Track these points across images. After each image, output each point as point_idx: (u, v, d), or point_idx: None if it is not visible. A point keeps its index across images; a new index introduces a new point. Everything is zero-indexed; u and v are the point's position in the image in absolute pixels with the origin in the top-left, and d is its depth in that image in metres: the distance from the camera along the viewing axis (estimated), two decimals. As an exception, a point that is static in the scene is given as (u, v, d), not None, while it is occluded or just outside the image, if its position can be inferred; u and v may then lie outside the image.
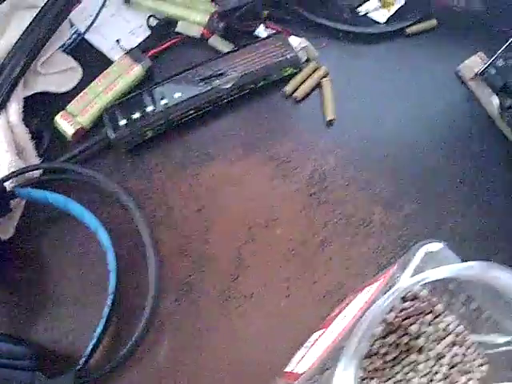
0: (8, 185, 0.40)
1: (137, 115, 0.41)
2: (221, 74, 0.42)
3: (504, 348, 0.33)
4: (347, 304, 0.35)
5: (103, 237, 0.38)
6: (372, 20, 0.46)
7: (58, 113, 0.43)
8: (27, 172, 0.41)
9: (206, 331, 0.38)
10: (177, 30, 0.44)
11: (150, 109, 0.41)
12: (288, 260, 0.39)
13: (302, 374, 0.28)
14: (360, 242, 0.40)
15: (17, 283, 0.41)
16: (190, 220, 0.40)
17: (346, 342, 0.24)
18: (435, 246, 0.29)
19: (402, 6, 0.47)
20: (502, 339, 0.34)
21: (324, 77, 0.43)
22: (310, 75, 0.43)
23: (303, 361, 0.32)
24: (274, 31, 0.44)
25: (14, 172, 0.40)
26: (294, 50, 0.43)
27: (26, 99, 0.43)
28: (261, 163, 0.41)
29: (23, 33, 0.44)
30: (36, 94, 0.44)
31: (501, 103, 0.46)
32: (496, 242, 0.41)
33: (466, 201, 0.43)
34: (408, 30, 0.46)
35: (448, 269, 0.27)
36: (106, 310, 0.36)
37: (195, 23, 0.44)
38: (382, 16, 0.46)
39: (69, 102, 0.44)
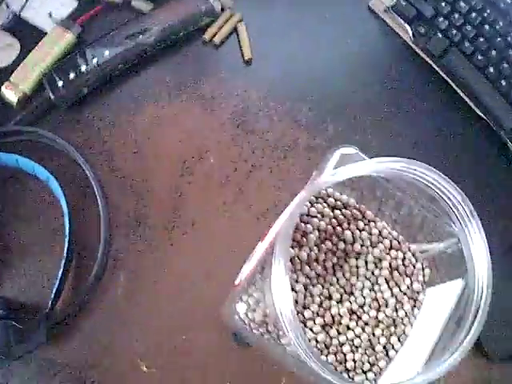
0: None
1: (72, 75, 0.45)
2: (144, 30, 0.47)
3: (441, 249, 0.36)
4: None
5: (54, 186, 0.43)
6: None
7: (1, 85, 0.48)
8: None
9: (157, 261, 0.42)
10: None
11: (83, 68, 0.46)
12: (223, 186, 0.44)
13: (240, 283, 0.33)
14: (289, 164, 0.45)
15: None
16: (129, 161, 0.45)
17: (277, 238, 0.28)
18: (349, 150, 0.33)
19: None
20: (440, 246, 0.38)
21: (239, 22, 0.48)
22: (226, 22, 0.48)
23: (245, 270, 0.36)
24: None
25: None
26: (209, 1, 0.47)
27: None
28: (189, 103, 0.46)
29: (-39, 16, 0.49)
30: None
31: (414, 31, 0.51)
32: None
33: (384, 120, 0.48)
34: None
35: (363, 164, 0.30)
36: (64, 252, 0.41)
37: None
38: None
39: (10, 74, 0.48)
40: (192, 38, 0.48)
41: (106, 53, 0.46)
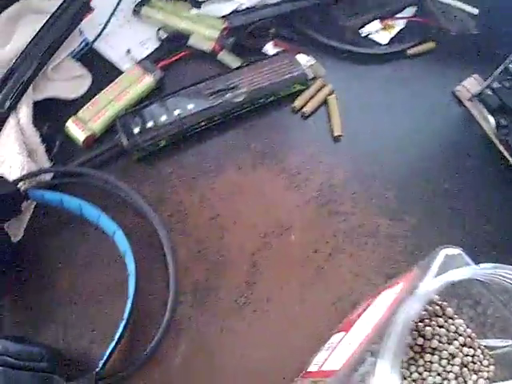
0: (20, 186, 0.41)
1: (150, 124, 0.42)
2: (231, 88, 0.44)
3: (508, 349, 0.36)
4: (364, 309, 0.37)
5: (121, 240, 0.39)
6: (374, 41, 0.50)
7: (67, 119, 0.44)
8: (40, 174, 0.41)
9: (223, 335, 0.39)
10: (189, 43, 0.46)
11: (163, 118, 0.42)
12: (302, 266, 0.41)
13: (335, 371, 0.30)
14: (368, 251, 0.42)
15: (27, 286, 0.41)
16: (205, 227, 0.41)
17: (381, 344, 0.26)
18: (454, 251, 0.32)
19: (402, 29, 0.51)
20: (506, 343, 0.37)
21: (330, 94, 0.46)
22: (317, 92, 0.46)
23: (331, 360, 0.34)
24: (282, 49, 0.47)
25: (26, 174, 0.41)
26: (302, 68, 0.46)
27: (36, 104, 0.44)
28: (273, 174, 0.43)
29: (34, 37, 0.45)
30: (46, 99, 0.45)
31: (496, 122, 0.50)
32: (492, 250, 0.44)
33: (464, 213, 0.46)
34: (408, 52, 0.50)
35: (471, 269, 0.29)
36: (126, 313, 0.37)
37: (205, 38, 0.46)
38: (383, 38, 0.50)
39: (78, 108, 0.45)
40: (279, 104, 0.46)
41: (190, 106, 0.43)
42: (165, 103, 0.43)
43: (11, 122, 0.44)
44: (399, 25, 0.51)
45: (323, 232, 0.42)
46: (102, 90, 0.45)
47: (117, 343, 0.36)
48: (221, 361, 0.38)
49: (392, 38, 0.50)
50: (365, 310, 0.37)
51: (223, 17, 0.46)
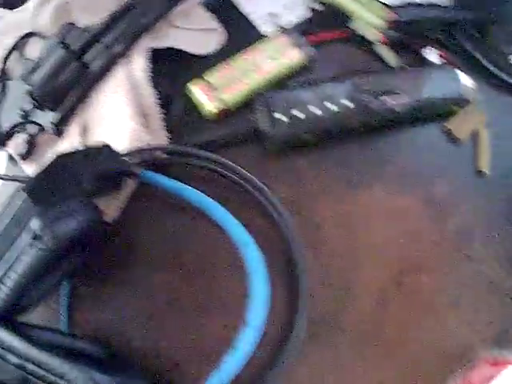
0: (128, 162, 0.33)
1: (297, 113, 0.35)
2: (392, 93, 0.38)
3: None
4: (486, 377, 0.34)
5: (251, 256, 0.32)
6: None
7: (191, 79, 0.36)
8: (154, 150, 0.33)
9: (339, 370, 0.34)
10: (351, 25, 0.38)
11: (314, 109, 0.35)
12: (427, 312, 0.37)
13: None
14: (493, 309, 0.39)
15: (114, 279, 0.34)
16: (339, 247, 0.36)
17: None
18: None
19: None
20: None
21: (480, 121, 0.42)
22: (471, 118, 0.41)
23: None
24: (445, 61, 0.41)
25: (138, 149, 0.33)
26: (463, 88, 0.40)
27: (155, 57, 0.36)
28: (416, 201, 0.38)
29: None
30: (164, 51, 0.36)
31: None
32: None
33: None
34: None
35: None
36: (246, 345, 0.30)
37: (370, 25, 0.39)
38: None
39: (204, 70, 0.37)
40: (428, 122, 0.40)
41: (346, 102, 0.36)
42: (316, 90, 0.36)
43: (120, 73, 0.35)
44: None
45: (454, 278, 0.38)
46: (237, 52, 0.37)
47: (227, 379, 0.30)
48: None
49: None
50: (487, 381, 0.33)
51: (388, 6, 0.39)
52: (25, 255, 0.28)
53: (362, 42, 0.40)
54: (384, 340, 0.35)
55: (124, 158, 0.32)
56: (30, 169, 0.37)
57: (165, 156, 0.33)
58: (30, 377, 0.28)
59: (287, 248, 0.34)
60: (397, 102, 0.37)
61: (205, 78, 0.36)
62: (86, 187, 0.30)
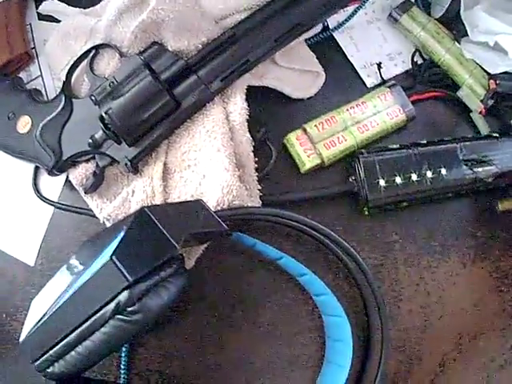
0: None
1: (399, 180, 0.34)
2: (483, 162, 0.37)
3: None
4: None
5: (342, 327, 0.32)
6: None
7: (287, 126, 0.34)
8: (248, 215, 0.31)
9: None
10: (459, 93, 0.37)
11: (414, 177, 0.34)
12: (477, 374, 0.38)
13: None
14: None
15: (188, 335, 0.32)
16: (413, 314, 0.36)
17: None
18: None
19: None
20: None
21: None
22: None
23: None
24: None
25: (233, 210, 0.30)
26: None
27: (248, 96, 0.33)
28: (486, 273, 0.38)
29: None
30: (260, 91, 0.34)
31: None
32: None
33: None
34: None
35: None
36: None
37: (471, 90, 0.38)
38: None
39: (302, 115, 0.35)
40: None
41: (443, 171, 0.35)
42: (415, 156, 0.35)
43: (216, 114, 0.32)
44: None
45: (504, 342, 0.39)
46: (337, 102, 0.35)
47: None
48: None
49: None
50: None
51: (489, 73, 0.38)
52: (107, 327, 0.25)
53: (456, 105, 0.39)
54: None
55: (219, 217, 0.30)
56: (94, 204, 0.33)
57: (256, 218, 0.31)
58: None
59: (367, 313, 0.33)
60: (485, 171, 0.37)
61: (305, 128, 0.34)
62: (178, 252, 0.26)
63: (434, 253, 0.37)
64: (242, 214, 0.30)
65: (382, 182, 0.33)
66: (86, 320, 0.25)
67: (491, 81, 0.38)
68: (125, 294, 0.24)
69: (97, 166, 0.33)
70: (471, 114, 0.39)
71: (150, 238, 0.26)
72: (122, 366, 0.33)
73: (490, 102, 0.39)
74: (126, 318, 0.24)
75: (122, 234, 0.25)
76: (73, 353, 0.26)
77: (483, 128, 0.39)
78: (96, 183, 0.33)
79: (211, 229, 0.29)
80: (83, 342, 0.26)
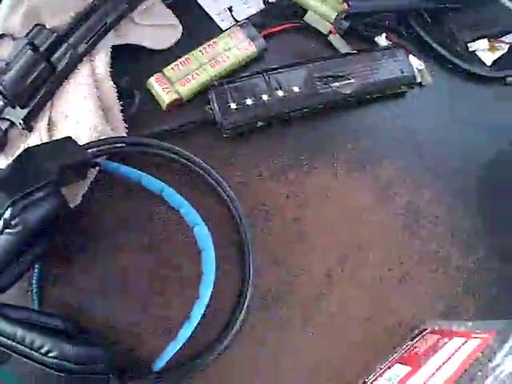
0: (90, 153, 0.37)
1: (250, 101, 0.39)
2: (340, 77, 0.42)
3: None
4: (432, 349, 0.37)
5: (201, 235, 0.37)
6: (480, 60, 0.49)
7: (150, 73, 0.41)
8: (112, 143, 0.38)
9: (285, 345, 0.39)
10: (305, 18, 0.42)
11: (265, 97, 0.40)
12: (372, 286, 0.41)
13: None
14: (437, 281, 0.43)
15: (76, 260, 0.39)
16: (287, 228, 0.40)
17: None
18: None
19: (504, 54, 0.50)
20: None
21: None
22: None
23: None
24: (394, 44, 0.45)
25: (98, 141, 0.37)
26: (413, 70, 0.44)
27: (115, 53, 0.40)
28: (364, 184, 0.42)
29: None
30: (125, 48, 0.40)
31: None
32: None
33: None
34: (508, 80, 0.49)
35: None
36: (197, 315, 0.35)
37: (322, 16, 0.43)
38: (487, 58, 0.49)
39: (162, 64, 0.41)
40: (378, 103, 0.44)
41: (295, 88, 0.40)
42: (267, 79, 0.40)
43: (84, 70, 0.39)
44: (502, 49, 0.50)
45: (400, 253, 0.42)
46: (194, 47, 0.41)
47: (181, 346, 0.35)
48: (278, 371, 0.38)
49: (494, 61, 0.49)
50: (434, 350, 0.37)
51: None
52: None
53: (315, 33, 0.44)
54: (330, 316, 0.40)
55: (86, 150, 0.37)
56: (2, 162, 0.42)
57: (122, 147, 0.38)
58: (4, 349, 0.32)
59: (237, 229, 0.38)
60: (342, 85, 0.41)
61: (163, 71, 0.40)
62: (52, 178, 0.33)
63: (300, 167, 0.41)
64: (107, 144, 0.37)
65: (233, 105, 0.39)
66: None
67: (343, 3, 0.43)
68: (8, 210, 0.31)
69: (0, 130, 0.42)
70: (329, 38, 0.44)
71: (30, 169, 0.33)
72: (34, 297, 0.39)
73: (346, 24, 0.43)
74: (11, 230, 0.31)
75: (7, 167, 0.33)
76: None
77: (343, 48, 0.44)
78: (1, 144, 0.42)
79: (79, 159, 0.36)
80: None
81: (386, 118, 0.45)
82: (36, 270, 0.40)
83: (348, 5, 0.43)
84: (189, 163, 0.38)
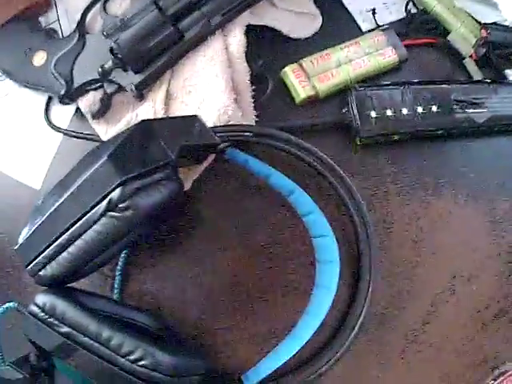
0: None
1: (390, 112, 0.37)
2: (475, 104, 0.40)
3: None
4: None
5: (329, 247, 0.34)
6: None
7: (285, 62, 0.38)
8: (244, 132, 0.34)
9: (381, 368, 0.38)
10: (449, 37, 0.41)
11: (404, 111, 0.37)
12: (470, 320, 0.40)
13: None
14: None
15: (171, 254, 0.35)
16: (405, 249, 0.38)
17: None
18: None
19: None
20: None
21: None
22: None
23: None
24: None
25: (226, 126, 0.34)
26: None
27: (250, 33, 0.37)
28: (480, 214, 0.40)
29: None
30: (261, 30, 0.38)
31: None
32: None
33: None
34: None
35: None
36: (305, 334, 0.33)
37: (462, 37, 0.41)
38: None
39: (299, 55, 0.38)
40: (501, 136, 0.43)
41: (434, 108, 0.38)
42: (407, 93, 0.38)
43: (216, 44, 0.36)
44: None
45: (499, 289, 0.41)
46: (332, 43, 0.39)
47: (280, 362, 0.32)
48: None
49: None
50: None
51: (481, 23, 0.42)
52: (99, 225, 0.27)
53: (450, 53, 0.43)
54: (426, 341, 0.39)
55: (215, 134, 0.33)
56: (100, 129, 0.37)
57: (251, 137, 0.35)
58: (77, 346, 0.28)
59: (357, 240, 0.35)
60: (477, 112, 0.40)
61: (301, 63, 0.37)
62: (172, 159, 0.29)
63: (426, 188, 0.39)
64: (237, 132, 0.34)
65: (373, 114, 0.37)
66: (79, 219, 0.28)
67: (482, 30, 0.41)
68: (117, 191, 0.26)
69: (104, 93, 0.37)
70: (464, 61, 0.42)
71: (147, 145, 0.29)
72: (116, 286, 0.36)
73: (482, 50, 0.42)
74: (117, 214, 0.27)
75: (121, 139, 0.28)
76: (65, 253, 0.28)
77: (476, 74, 0.42)
78: (103, 109, 0.37)
79: (206, 141, 0.33)
80: (75, 241, 0.28)
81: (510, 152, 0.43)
82: (123, 255, 0.36)
83: (487, 31, 0.42)
84: (322, 168, 0.35)
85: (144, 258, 0.36)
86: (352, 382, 0.37)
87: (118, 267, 0.36)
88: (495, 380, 0.40)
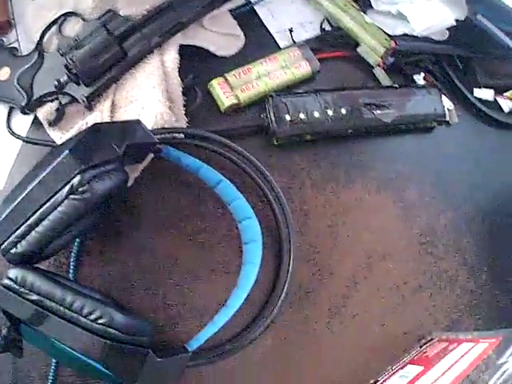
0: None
1: (303, 116, 0.46)
2: (382, 106, 0.49)
3: None
4: (443, 352, 0.45)
5: (253, 227, 0.42)
6: (499, 106, 0.57)
7: (211, 76, 0.46)
8: (177, 132, 0.43)
9: (308, 338, 0.46)
10: (358, 49, 0.50)
11: (316, 114, 0.46)
12: (390, 294, 0.49)
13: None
14: (445, 296, 0.51)
15: (123, 240, 0.43)
16: (322, 232, 0.47)
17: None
18: None
19: None
20: None
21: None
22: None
23: None
24: (430, 84, 0.53)
25: (164, 129, 0.42)
26: (443, 109, 0.52)
27: (183, 52, 0.45)
28: (391, 201, 0.50)
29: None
30: (192, 50, 0.46)
31: None
32: None
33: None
34: None
35: None
36: (237, 302, 0.40)
37: (371, 49, 0.50)
38: (506, 105, 0.58)
39: (224, 69, 0.47)
40: (411, 133, 0.52)
41: (343, 110, 0.47)
42: (319, 99, 0.47)
43: (154, 62, 0.45)
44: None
45: (416, 267, 0.50)
46: (254, 58, 0.48)
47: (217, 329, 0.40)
48: (299, 363, 0.45)
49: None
50: (444, 353, 0.44)
51: (389, 35, 0.51)
52: (63, 206, 0.34)
53: (361, 63, 0.52)
54: (349, 314, 0.47)
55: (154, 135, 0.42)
56: (56, 135, 0.45)
57: (182, 137, 0.43)
58: (46, 312, 0.34)
59: (278, 226, 0.44)
60: (384, 113, 0.49)
61: (226, 76, 0.46)
62: (119, 154, 0.37)
63: (338, 181, 0.48)
64: (171, 133, 0.42)
65: (287, 117, 0.45)
66: (46, 202, 0.35)
67: (391, 41, 0.50)
68: (77, 177, 0.34)
69: (60, 103, 0.46)
70: (374, 70, 0.51)
71: (99, 143, 0.37)
72: (71, 270, 0.43)
73: (391, 60, 0.51)
74: (77, 196, 0.34)
75: (78, 138, 0.36)
76: (33, 233, 0.35)
77: (384, 81, 0.51)
78: (58, 118, 0.45)
79: (146, 141, 0.41)
80: (42, 221, 0.35)
81: (416, 147, 0.52)
82: (76, 244, 0.44)
83: (395, 42, 0.51)
84: (245, 165, 0.43)
85: (94, 246, 0.44)
86: (281, 350, 0.45)
87: (73, 253, 0.43)
88: (421, 347, 0.48)
